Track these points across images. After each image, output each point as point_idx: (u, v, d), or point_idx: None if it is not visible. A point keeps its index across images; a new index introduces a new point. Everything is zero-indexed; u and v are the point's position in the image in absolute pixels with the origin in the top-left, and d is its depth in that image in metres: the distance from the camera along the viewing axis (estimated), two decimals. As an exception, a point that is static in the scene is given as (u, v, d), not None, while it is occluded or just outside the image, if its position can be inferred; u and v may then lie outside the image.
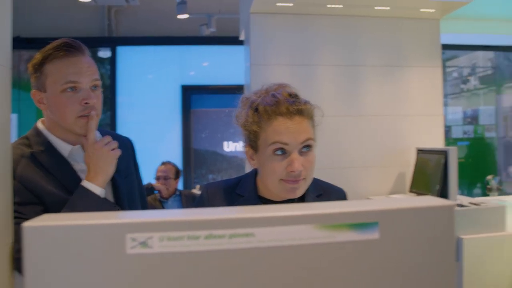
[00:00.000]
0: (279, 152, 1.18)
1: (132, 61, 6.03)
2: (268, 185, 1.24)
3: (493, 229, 2.86)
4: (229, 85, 5.90)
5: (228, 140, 6.05)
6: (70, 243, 0.46)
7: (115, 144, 1.31)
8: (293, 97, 1.24)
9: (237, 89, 5.95)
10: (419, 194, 3.27)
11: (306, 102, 1.25)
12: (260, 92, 1.31)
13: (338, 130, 3.46)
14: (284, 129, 1.17)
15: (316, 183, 1.36)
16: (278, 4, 3.28)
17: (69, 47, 1.25)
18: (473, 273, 2.79)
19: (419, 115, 3.69)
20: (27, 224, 0.47)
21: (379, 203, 0.55)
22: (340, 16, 3.53)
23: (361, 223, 0.51)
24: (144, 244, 0.46)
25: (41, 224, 0.48)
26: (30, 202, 1.18)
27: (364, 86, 3.58)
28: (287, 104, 1.19)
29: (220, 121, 6.01)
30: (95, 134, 1.31)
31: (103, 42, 6.06)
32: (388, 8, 3.43)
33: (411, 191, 3.40)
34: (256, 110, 1.24)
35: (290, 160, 1.16)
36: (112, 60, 6.02)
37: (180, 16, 5.44)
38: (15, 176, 1.18)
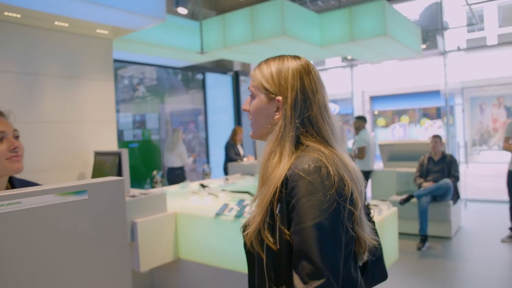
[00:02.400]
0: None
1: None
2: None
3: (158, 211, 3.66)
4: None
5: None
6: None
7: None
8: None
9: None
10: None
11: None
12: None
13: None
14: None
15: (20, 181, 1.67)
16: None
17: None
18: (148, 247, 3.50)
19: (95, 122, 4.19)
20: None
21: (90, 180, 1.02)
22: (19, 25, 3.63)
23: (78, 190, 0.97)
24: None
25: None
26: None
27: (44, 94, 3.79)
28: None
29: None
30: None
31: None
32: (66, 24, 3.78)
33: (91, 189, 3.85)
34: None
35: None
36: None
37: None
38: None
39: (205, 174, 6.23)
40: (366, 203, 1.37)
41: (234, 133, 7.39)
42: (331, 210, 1.03)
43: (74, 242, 0.98)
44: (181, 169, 7.05)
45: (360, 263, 1.24)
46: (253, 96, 1.25)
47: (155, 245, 3.57)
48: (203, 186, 4.93)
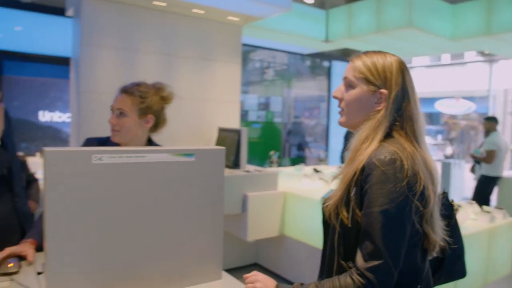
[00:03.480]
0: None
1: None
2: None
3: (269, 188, 3.93)
4: (46, 55, 5.97)
5: (44, 109, 6.07)
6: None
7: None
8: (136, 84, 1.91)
9: (55, 60, 5.92)
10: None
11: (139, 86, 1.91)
12: None
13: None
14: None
15: (154, 144, 2.05)
16: (110, -8, 3.73)
17: None
18: (256, 220, 3.80)
19: (221, 101, 4.59)
20: (48, 150, 1.04)
21: (196, 146, 1.27)
22: (163, 12, 4.15)
23: (188, 153, 1.23)
24: (99, 158, 1.09)
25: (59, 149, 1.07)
26: None
27: (179, 73, 4.28)
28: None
29: (35, 90, 5.98)
30: None
31: None
32: (203, 11, 4.19)
33: (212, 161, 4.27)
34: None
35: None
36: None
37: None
38: None
39: (320, 160, 6.37)
40: (451, 200, 1.41)
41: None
42: (398, 200, 1.12)
43: (179, 194, 1.24)
44: None
45: (430, 257, 1.29)
46: (351, 86, 1.31)
47: (263, 219, 3.84)
48: (316, 170, 5.09)
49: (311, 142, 9.55)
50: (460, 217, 3.03)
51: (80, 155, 1.06)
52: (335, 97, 1.37)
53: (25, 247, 1.47)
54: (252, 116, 7.90)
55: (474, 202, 3.54)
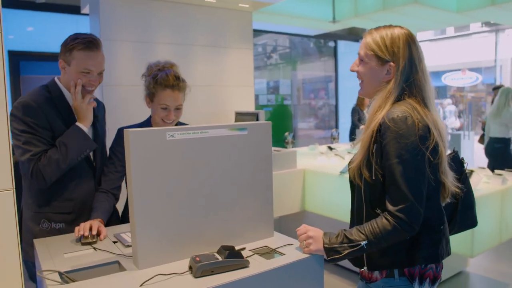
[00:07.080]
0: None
1: None
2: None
3: (289, 166, 4.11)
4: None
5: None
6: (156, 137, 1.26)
7: (92, 101, 1.93)
8: (177, 78, 2.05)
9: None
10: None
11: (183, 81, 2.07)
12: (157, 66, 2.09)
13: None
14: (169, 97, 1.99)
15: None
16: (125, -12, 3.89)
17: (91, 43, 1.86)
18: (278, 197, 3.97)
19: (237, 86, 4.77)
20: (131, 130, 1.23)
21: (249, 122, 1.46)
22: (177, 3, 4.31)
23: (241, 128, 1.42)
24: (172, 135, 1.28)
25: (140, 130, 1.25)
26: (45, 127, 1.77)
27: (194, 62, 4.46)
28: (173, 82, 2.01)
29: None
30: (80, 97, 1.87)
31: None
32: (214, 0, 4.34)
33: (233, 144, 4.46)
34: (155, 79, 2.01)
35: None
36: None
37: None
38: (39, 107, 1.75)
39: (333, 138, 6.54)
40: (461, 158, 1.60)
41: (361, 99, 7.50)
42: (413, 151, 1.31)
43: (236, 163, 1.44)
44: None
45: (443, 204, 1.49)
46: (363, 61, 1.48)
47: (285, 196, 4.03)
48: (330, 148, 5.27)
49: (318, 123, 9.69)
50: (473, 180, 3.20)
51: (156, 134, 1.26)
52: (352, 71, 1.54)
53: (100, 225, 1.67)
54: (262, 100, 8.07)
55: (486, 167, 3.71)
